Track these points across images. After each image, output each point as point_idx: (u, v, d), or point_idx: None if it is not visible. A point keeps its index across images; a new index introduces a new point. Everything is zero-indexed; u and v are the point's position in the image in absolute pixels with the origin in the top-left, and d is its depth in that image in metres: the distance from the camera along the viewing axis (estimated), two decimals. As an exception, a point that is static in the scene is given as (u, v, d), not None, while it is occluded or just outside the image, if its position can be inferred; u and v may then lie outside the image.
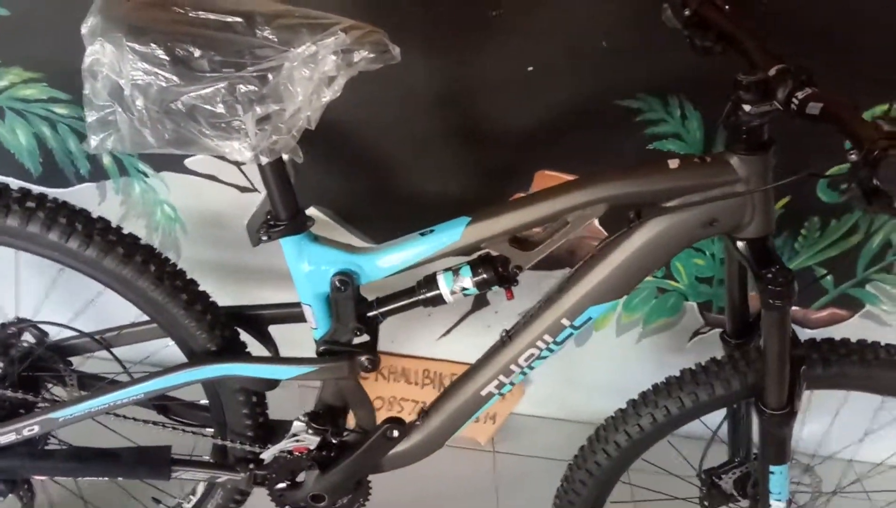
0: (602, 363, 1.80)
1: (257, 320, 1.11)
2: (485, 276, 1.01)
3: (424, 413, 1.13)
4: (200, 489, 1.23)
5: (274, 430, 1.15)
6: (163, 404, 1.16)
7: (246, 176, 1.46)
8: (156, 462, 1.11)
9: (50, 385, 1.14)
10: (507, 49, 1.30)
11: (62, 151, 1.40)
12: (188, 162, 1.42)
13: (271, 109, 0.83)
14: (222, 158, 1.41)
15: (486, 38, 1.29)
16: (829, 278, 1.59)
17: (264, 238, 0.97)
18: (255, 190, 1.47)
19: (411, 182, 1.46)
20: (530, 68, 1.32)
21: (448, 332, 1.74)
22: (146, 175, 1.44)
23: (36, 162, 1.41)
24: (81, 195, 1.45)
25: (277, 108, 0.82)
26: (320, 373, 1.03)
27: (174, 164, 1.43)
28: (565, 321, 1.02)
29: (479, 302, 1.69)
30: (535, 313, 1.05)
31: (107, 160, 1.42)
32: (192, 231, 1.52)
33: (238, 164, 1.44)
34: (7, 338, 1.10)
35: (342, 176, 1.45)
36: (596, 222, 1.50)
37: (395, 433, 1.09)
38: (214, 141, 0.85)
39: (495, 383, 1.08)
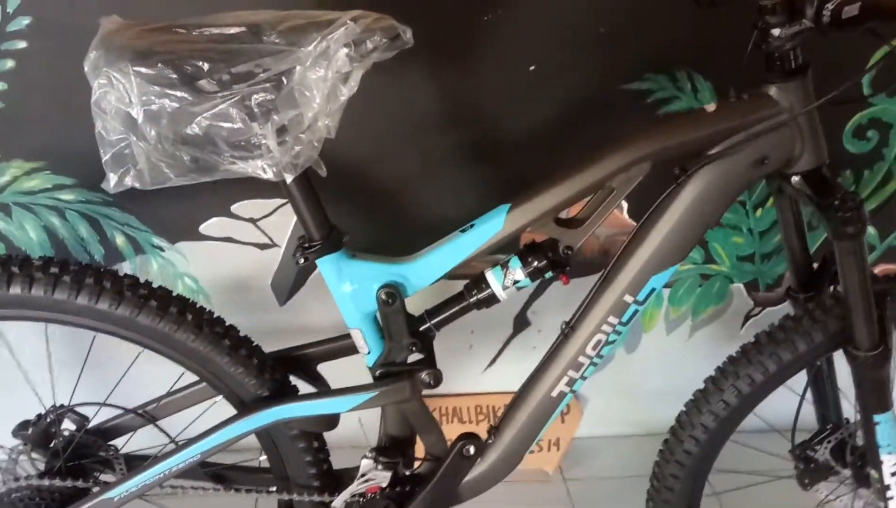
0: (656, 367, 1.72)
1: (305, 360, 1.05)
2: (536, 264, 0.95)
3: (495, 430, 1.06)
4: (272, 556, 1.14)
5: (340, 480, 1.08)
6: (218, 472, 1.09)
7: (263, 232, 1.42)
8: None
9: (97, 473, 1.07)
10: (505, 52, 1.28)
11: (73, 239, 1.36)
12: (203, 228, 1.39)
13: (289, 116, 0.79)
14: (237, 216, 1.41)
15: (483, 43, 1.27)
16: (873, 232, 1.54)
17: (301, 261, 0.92)
18: (275, 245, 1.43)
19: (425, 207, 1.41)
20: (532, 67, 1.30)
21: (493, 362, 1.66)
22: (162, 250, 1.40)
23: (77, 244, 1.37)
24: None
25: (295, 113, 0.79)
26: (381, 398, 0.96)
27: (189, 232, 1.39)
28: (628, 298, 0.96)
29: (520, 324, 1.63)
30: (593, 297, 0.99)
31: (120, 241, 1.38)
32: (216, 300, 1.46)
33: (253, 220, 1.40)
34: (47, 428, 1.04)
35: (354, 213, 1.41)
36: (625, 213, 1.49)
37: (472, 450, 1.02)
38: (236, 163, 0.81)
39: (565, 380, 1.01)
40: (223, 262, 1.43)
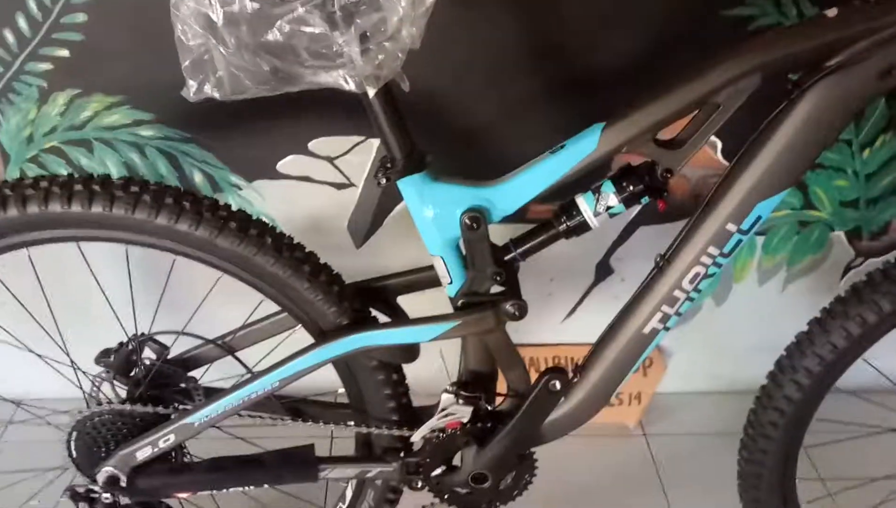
0: (746, 322, 1.63)
1: (384, 291, 1.02)
2: (631, 188, 0.89)
3: (581, 368, 1.01)
4: (349, 493, 1.12)
5: (419, 416, 1.04)
6: (295, 406, 1.07)
7: (340, 171, 1.39)
8: (301, 463, 1.02)
9: (176, 404, 1.07)
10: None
11: (153, 176, 1.36)
12: (280, 166, 1.37)
13: (372, 21, 0.74)
14: (314, 155, 1.38)
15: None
16: None
17: (382, 181, 0.87)
18: (352, 185, 1.40)
19: (506, 147, 1.35)
20: (623, -6, 1.22)
21: (572, 311, 1.61)
22: (239, 188, 1.39)
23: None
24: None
25: (378, 18, 0.74)
26: (464, 328, 0.92)
27: (266, 170, 1.37)
28: (731, 226, 0.89)
29: (602, 272, 1.56)
30: (693, 226, 0.92)
31: (198, 178, 1.37)
32: (292, 241, 1.45)
33: (330, 159, 1.37)
34: (128, 356, 1.04)
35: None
36: (718, 154, 1.40)
37: (558, 385, 0.97)
38: (317, 73, 0.77)
39: (659, 316, 0.95)
40: (299, 202, 1.41)
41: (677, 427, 1.65)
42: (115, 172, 1.35)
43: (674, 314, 0.95)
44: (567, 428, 1.04)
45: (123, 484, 0.99)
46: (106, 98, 1.28)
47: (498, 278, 0.92)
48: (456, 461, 1.05)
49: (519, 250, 0.93)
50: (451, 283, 0.94)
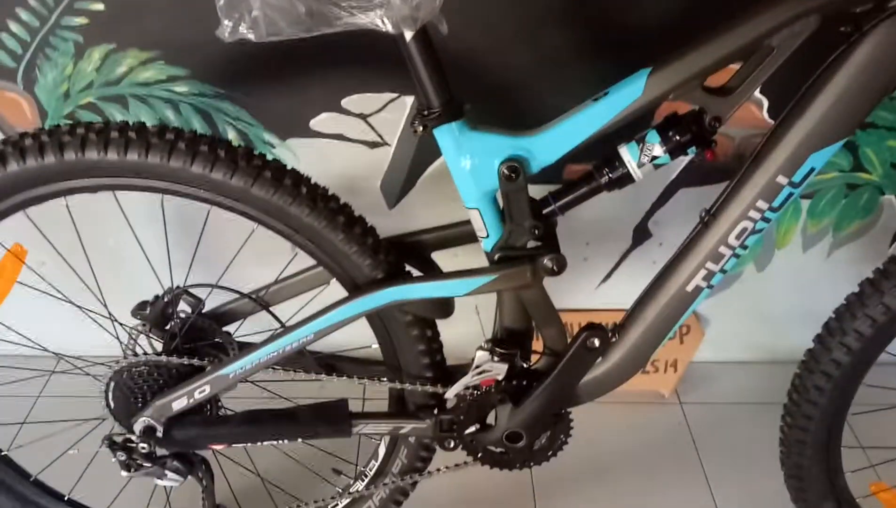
0: (788, 289, 1.59)
1: (419, 246, 1.00)
2: (677, 138, 0.86)
3: (619, 327, 0.98)
4: (382, 450, 1.12)
5: (453, 374, 1.03)
6: (328, 362, 1.07)
7: (373, 129, 1.37)
8: (335, 417, 1.01)
9: (210, 357, 1.07)
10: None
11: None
12: (313, 124, 1.35)
13: (412, -41, 0.72)
14: (347, 112, 1.36)
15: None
16: None
17: (419, 129, 0.85)
18: (385, 144, 1.38)
19: (546, 102, 1.32)
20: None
21: (608, 277, 1.58)
22: (272, 146, 1.38)
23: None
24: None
25: (417, -45, 0.72)
26: (500, 282, 0.90)
27: (299, 128, 1.36)
28: (782, 179, 0.85)
29: (640, 236, 1.52)
30: (741, 179, 0.88)
31: (232, 136, 1.36)
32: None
33: (364, 116, 1.35)
34: (164, 309, 1.04)
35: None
36: (764, 112, 1.35)
37: (597, 342, 0.95)
38: (352, 14, 0.75)
39: (702, 273, 0.92)
40: (332, 161, 1.39)
41: (714, 397, 1.62)
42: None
43: (718, 272, 0.92)
44: (603, 389, 1.01)
45: (160, 435, 0.99)
46: (141, 53, 1.27)
47: (536, 232, 0.89)
48: (490, 420, 1.03)
49: (558, 204, 0.91)
50: (487, 237, 0.91)
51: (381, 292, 0.91)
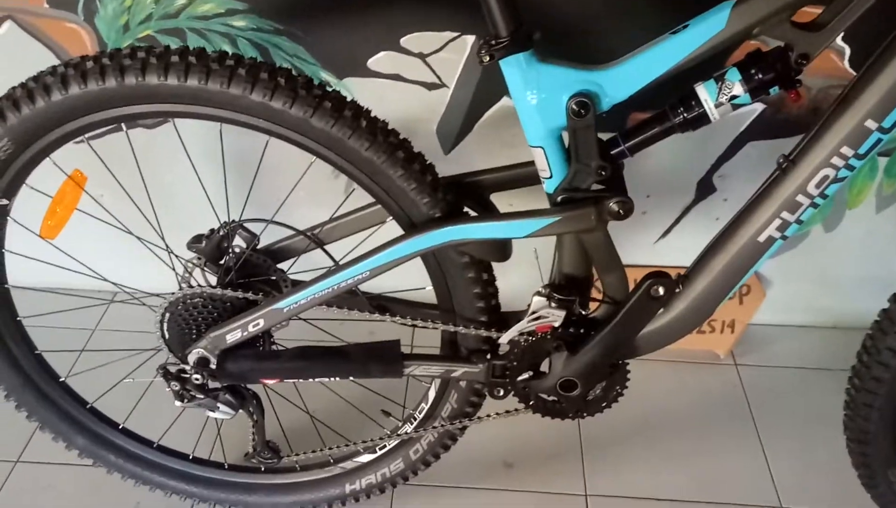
0: (857, 251, 1.52)
1: (477, 187, 0.98)
2: (760, 76, 0.80)
3: (685, 277, 0.94)
4: (432, 394, 1.10)
5: (506, 322, 1.01)
6: (381, 304, 1.06)
7: (432, 69, 1.33)
8: (386, 357, 1.00)
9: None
10: None
11: (246, 71, 1.34)
12: (371, 63, 1.32)
13: None
14: (406, 51, 1.33)
15: None
16: None
17: (485, 59, 0.82)
18: (444, 85, 1.35)
19: (619, 39, 1.26)
20: None
21: (668, 232, 1.53)
22: (329, 85, 1.35)
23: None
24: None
25: None
26: (563, 224, 0.87)
27: (357, 67, 1.33)
28: (871, 123, 0.80)
29: (704, 190, 1.47)
30: (825, 123, 0.83)
31: (288, 71, 1.34)
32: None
33: (423, 56, 1.32)
34: (219, 243, 1.03)
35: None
36: (845, 61, 1.27)
37: (661, 291, 0.91)
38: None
39: (777, 223, 0.87)
40: (389, 102, 1.37)
41: (771, 360, 1.57)
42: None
43: (794, 222, 0.87)
44: (663, 341, 0.98)
45: (213, 367, 0.99)
46: (199, -14, 1.26)
47: (602, 173, 0.86)
48: (543, 368, 1.01)
49: (627, 145, 0.87)
50: (550, 177, 0.88)
51: (439, 230, 0.89)
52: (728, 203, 1.47)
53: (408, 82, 1.35)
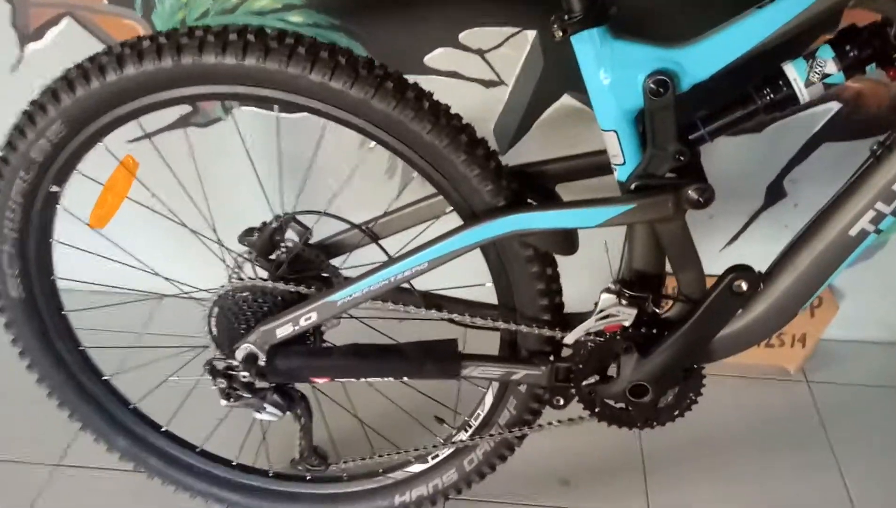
0: (938, 264, 1.43)
1: (542, 177, 0.92)
2: (855, 53, 0.74)
3: (766, 275, 0.87)
4: (489, 399, 1.05)
5: (570, 324, 0.95)
6: (437, 303, 1.01)
7: (490, 66, 1.29)
8: (443, 357, 0.95)
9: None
10: None
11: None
12: (428, 60, 1.29)
13: None
14: (464, 47, 1.29)
15: None
16: None
17: (557, 34, 0.77)
18: (502, 83, 1.31)
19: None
20: None
21: (735, 239, 1.46)
22: (384, 82, 1.32)
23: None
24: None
25: None
26: (638, 212, 0.81)
27: (414, 64, 1.29)
28: (980, 103, 0.73)
29: (773, 195, 1.40)
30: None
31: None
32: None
33: (481, 52, 1.28)
34: (271, 237, 1.00)
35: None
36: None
37: (744, 286, 0.84)
38: None
39: (870, 215, 0.81)
40: (445, 100, 1.30)
41: (845, 377, 1.48)
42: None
43: (890, 214, 0.80)
44: (741, 345, 0.91)
45: (261, 363, 0.95)
46: (256, -20, 1.24)
47: (681, 159, 0.80)
48: (611, 373, 0.95)
49: (708, 128, 0.81)
50: (623, 164, 0.82)
51: (504, 218, 0.84)
52: (799, 209, 1.39)
53: (465, 80, 1.31)
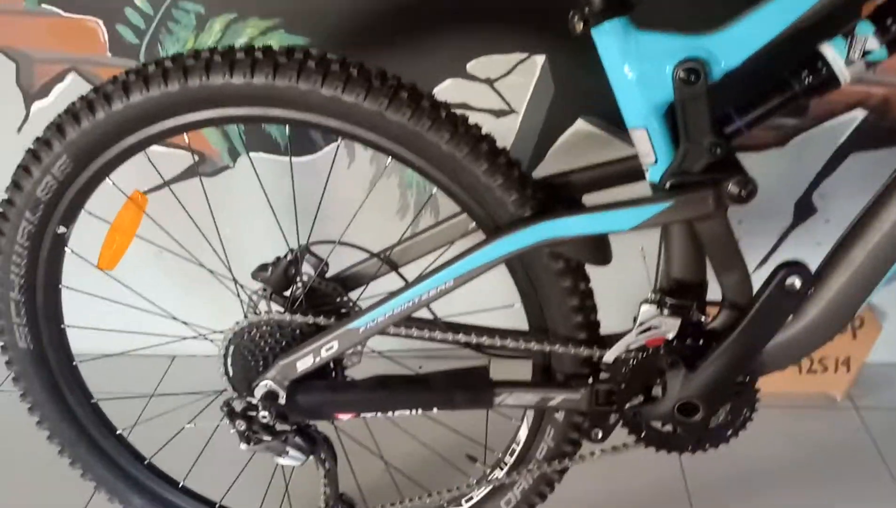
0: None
1: (567, 188, 0.88)
2: (897, 26, 0.70)
3: (817, 276, 0.81)
4: (524, 433, 0.98)
5: (608, 345, 0.88)
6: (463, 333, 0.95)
7: (500, 95, 1.27)
8: (474, 385, 0.88)
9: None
10: None
11: (308, 109, 1.30)
12: (437, 91, 1.26)
13: None
14: (472, 77, 1.27)
15: None
16: None
17: (579, 26, 0.74)
18: (513, 111, 1.28)
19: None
20: None
21: (765, 261, 1.40)
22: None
23: (281, 127, 1.32)
24: (329, 160, 1.33)
25: None
26: (676, 211, 0.76)
27: (423, 98, 1.27)
28: None
29: (803, 211, 1.35)
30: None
31: (353, 110, 1.29)
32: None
33: (490, 81, 1.25)
34: (285, 271, 0.95)
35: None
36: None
37: (797, 284, 0.78)
38: None
39: (930, 200, 0.75)
40: (457, 133, 1.30)
41: (894, 401, 1.39)
42: (270, 104, 1.30)
43: (950, 199, 0.75)
44: (795, 353, 0.85)
45: (282, 401, 0.89)
46: (261, 22, 1.23)
47: (717, 152, 0.75)
48: (656, 393, 0.88)
49: (744, 120, 0.77)
50: (655, 163, 0.78)
51: (533, 227, 0.79)
52: (830, 225, 1.34)
53: (475, 111, 1.28)
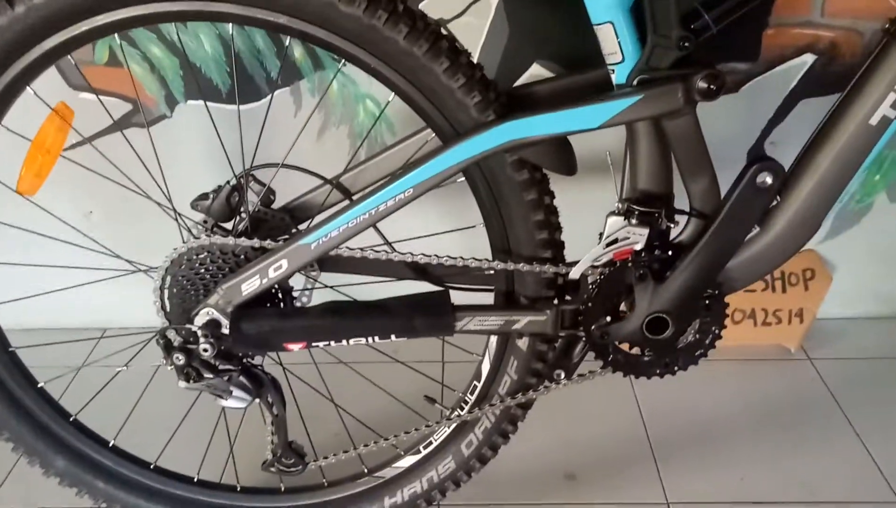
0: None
1: (531, 100, 0.84)
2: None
3: (783, 184, 0.79)
4: (486, 367, 0.93)
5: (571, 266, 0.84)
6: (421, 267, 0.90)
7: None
8: (434, 310, 0.83)
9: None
10: None
11: (249, 53, 1.23)
12: (387, 35, 1.21)
13: None
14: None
15: None
16: None
17: None
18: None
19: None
20: None
21: (718, 214, 1.39)
22: (338, 60, 1.24)
23: (223, 73, 1.25)
24: (275, 107, 1.26)
25: None
26: (644, 106, 0.73)
27: (372, 41, 1.22)
28: None
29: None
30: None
31: (298, 54, 1.23)
32: (400, 128, 1.29)
33: (443, 21, 1.21)
34: (228, 198, 0.88)
35: (566, 19, 1.19)
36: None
37: (769, 180, 0.76)
38: None
39: (891, 98, 0.75)
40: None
41: (847, 352, 1.40)
42: (210, 48, 1.23)
43: (915, 96, 0.74)
44: (763, 267, 0.82)
45: (225, 330, 0.82)
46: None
47: (686, 45, 0.72)
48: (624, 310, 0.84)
49: (711, 15, 0.74)
50: (622, 61, 0.75)
51: (496, 128, 0.75)
52: (783, 175, 1.34)
53: (427, 55, 1.24)
